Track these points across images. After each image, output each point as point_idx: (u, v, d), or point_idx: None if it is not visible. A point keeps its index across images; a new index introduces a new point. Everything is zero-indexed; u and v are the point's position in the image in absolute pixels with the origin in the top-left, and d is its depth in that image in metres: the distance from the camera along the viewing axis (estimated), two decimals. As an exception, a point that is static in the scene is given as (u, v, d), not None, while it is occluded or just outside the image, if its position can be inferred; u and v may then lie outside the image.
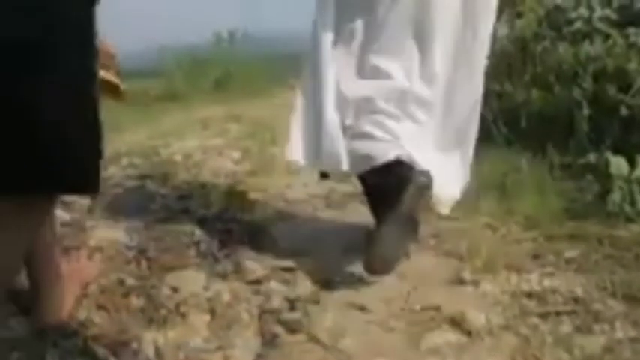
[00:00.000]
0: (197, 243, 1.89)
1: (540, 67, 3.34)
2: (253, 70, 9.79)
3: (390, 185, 1.58)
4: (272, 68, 10.38)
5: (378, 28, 1.70)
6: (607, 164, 1.84)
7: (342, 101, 1.73)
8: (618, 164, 1.82)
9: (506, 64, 3.60)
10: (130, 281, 1.58)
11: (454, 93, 1.79)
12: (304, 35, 2.11)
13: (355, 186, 2.80)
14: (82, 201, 2.34)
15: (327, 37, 1.74)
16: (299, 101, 1.86)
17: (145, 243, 1.85)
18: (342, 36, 1.74)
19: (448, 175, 1.76)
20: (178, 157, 3.51)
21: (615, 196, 1.78)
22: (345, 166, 1.73)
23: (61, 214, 2.18)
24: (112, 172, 3.15)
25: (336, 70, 1.73)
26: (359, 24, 1.72)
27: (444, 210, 1.83)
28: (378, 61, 1.71)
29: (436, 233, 2.04)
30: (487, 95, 3.55)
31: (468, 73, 1.80)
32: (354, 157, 1.70)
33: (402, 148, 1.64)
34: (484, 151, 3.36)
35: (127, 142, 4.62)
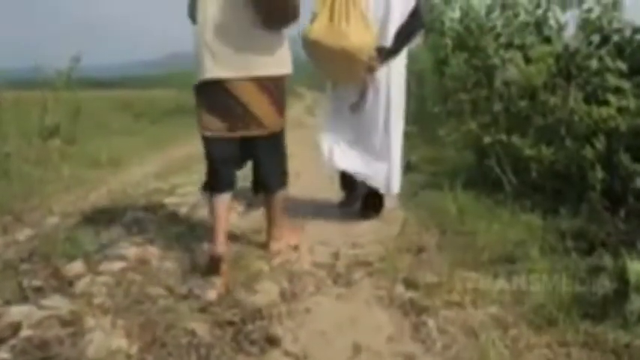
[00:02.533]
0: (197, 347, 1.83)
1: (551, 119, 3.26)
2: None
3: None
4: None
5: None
6: (624, 269, 1.76)
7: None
8: (636, 270, 1.74)
9: (513, 114, 3.53)
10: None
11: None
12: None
13: (357, 254, 2.77)
14: (82, 285, 2.31)
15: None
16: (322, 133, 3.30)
17: (144, 349, 1.80)
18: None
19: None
20: (184, 209, 3.47)
21: (633, 305, 1.70)
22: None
23: (61, 303, 2.16)
24: (116, 233, 3.11)
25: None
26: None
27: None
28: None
29: (443, 328, 1.97)
30: (494, 146, 3.50)
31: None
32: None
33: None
34: (494, 207, 3.32)
35: (134, 181, 4.61)
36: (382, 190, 3.29)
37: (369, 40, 2.86)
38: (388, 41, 2.97)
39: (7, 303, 2.13)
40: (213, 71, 2.38)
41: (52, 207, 3.95)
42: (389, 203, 3.48)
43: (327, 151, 3.25)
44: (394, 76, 3.11)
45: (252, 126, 2.47)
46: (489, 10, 4.28)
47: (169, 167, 5.28)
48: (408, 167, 4.63)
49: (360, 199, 3.49)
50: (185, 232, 3.01)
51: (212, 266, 2.39)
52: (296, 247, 2.84)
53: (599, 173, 2.72)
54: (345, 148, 3.25)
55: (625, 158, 2.56)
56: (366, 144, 3.21)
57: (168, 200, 3.75)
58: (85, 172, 5.08)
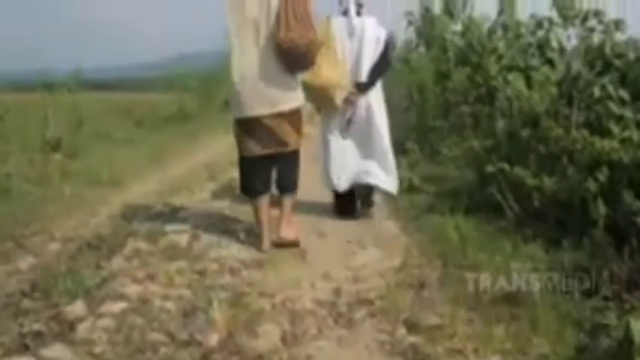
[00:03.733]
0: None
1: (554, 148, 3.24)
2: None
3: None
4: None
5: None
6: (628, 328, 1.73)
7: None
8: (640, 330, 1.71)
9: (515, 139, 3.51)
10: None
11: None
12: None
13: (358, 290, 2.75)
14: (83, 330, 2.31)
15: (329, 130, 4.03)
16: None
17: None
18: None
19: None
20: (184, 241, 3.46)
21: (639, 368, 1.68)
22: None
23: (62, 353, 2.15)
24: (117, 265, 3.10)
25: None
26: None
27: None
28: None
29: (445, 380, 1.96)
30: (496, 174, 3.48)
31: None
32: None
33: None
34: (495, 235, 3.30)
35: (135, 203, 4.60)
36: (383, 185, 4.00)
37: (338, 77, 3.72)
38: (363, 77, 3.84)
39: (7, 353, 2.12)
40: (252, 110, 3.18)
41: (53, 232, 3.94)
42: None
43: (328, 176, 4.00)
44: (372, 97, 3.94)
45: (279, 146, 3.26)
46: (491, 32, 4.25)
47: (170, 186, 5.27)
48: (409, 188, 4.64)
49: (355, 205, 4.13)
50: (186, 267, 2.99)
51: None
52: (295, 243, 3.36)
53: (602, 208, 2.69)
54: (346, 165, 3.97)
55: (627, 195, 2.54)
56: (361, 152, 3.98)
57: (169, 227, 3.73)
58: (86, 191, 5.07)
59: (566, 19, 3.94)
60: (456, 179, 4.71)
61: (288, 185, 3.41)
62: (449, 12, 5.53)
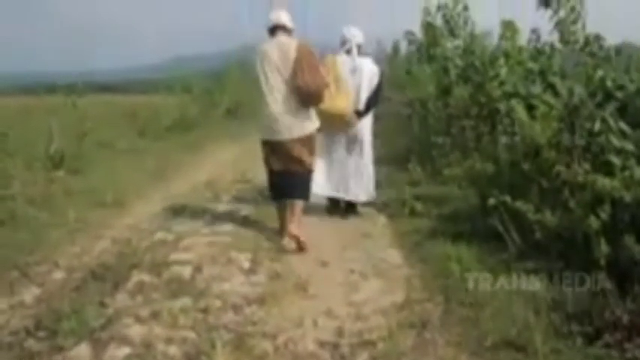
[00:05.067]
0: None
1: (556, 181, 3.24)
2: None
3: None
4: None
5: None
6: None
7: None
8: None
9: (516, 173, 3.50)
10: None
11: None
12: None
13: (361, 330, 2.76)
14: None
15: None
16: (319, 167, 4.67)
17: None
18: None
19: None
20: (187, 272, 3.48)
21: None
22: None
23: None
24: (121, 301, 3.12)
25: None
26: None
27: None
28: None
29: None
30: (497, 207, 3.48)
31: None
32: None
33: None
34: (497, 267, 3.30)
35: (138, 227, 4.62)
36: (354, 200, 4.89)
37: (345, 104, 4.55)
38: (362, 106, 4.68)
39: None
40: (278, 135, 4.03)
41: (57, 260, 3.96)
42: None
43: (321, 184, 4.74)
44: (365, 121, 4.82)
45: (298, 165, 4.09)
46: (493, 59, 4.25)
47: (173, 206, 5.29)
48: (411, 212, 4.67)
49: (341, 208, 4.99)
50: (189, 305, 3.01)
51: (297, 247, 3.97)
52: (302, 247, 3.95)
53: (604, 247, 2.70)
54: (337, 176, 4.81)
55: (629, 240, 2.54)
56: (348, 170, 4.83)
57: (173, 257, 3.75)
58: (90, 213, 5.09)
59: (568, 44, 3.93)
60: (458, 200, 4.72)
61: (300, 196, 4.18)
62: (450, 29, 5.54)
